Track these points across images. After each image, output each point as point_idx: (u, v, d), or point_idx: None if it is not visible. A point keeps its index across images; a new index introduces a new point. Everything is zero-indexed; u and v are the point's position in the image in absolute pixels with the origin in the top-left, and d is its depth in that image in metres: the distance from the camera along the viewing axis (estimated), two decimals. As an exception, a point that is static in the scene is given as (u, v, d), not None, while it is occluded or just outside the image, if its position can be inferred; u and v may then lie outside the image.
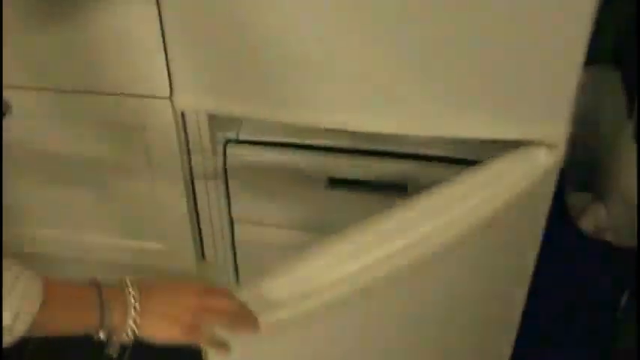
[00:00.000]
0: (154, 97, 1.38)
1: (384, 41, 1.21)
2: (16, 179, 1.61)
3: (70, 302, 0.91)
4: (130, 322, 0.92)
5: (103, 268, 1.86)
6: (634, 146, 1.57)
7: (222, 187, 1.57)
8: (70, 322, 0.92)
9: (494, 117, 1.28)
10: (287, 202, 1.42)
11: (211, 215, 1.64)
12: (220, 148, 1.52)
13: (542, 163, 1.28)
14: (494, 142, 1.42)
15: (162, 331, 0.96)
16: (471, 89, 1.25)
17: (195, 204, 1.62)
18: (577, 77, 1.21)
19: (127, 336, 0.92)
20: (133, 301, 0.93)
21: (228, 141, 1.54)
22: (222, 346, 1.01)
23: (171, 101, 1.37)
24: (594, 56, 1.23)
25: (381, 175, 1.52)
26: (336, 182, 1.53)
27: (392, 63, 1.24)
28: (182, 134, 1.46)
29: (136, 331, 0.93)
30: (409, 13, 1.16)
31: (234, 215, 1.63)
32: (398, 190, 1.53)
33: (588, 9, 1.11)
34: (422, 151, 1.51)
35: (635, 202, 1.56)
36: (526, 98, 1.26)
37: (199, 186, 1.57)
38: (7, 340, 0.83)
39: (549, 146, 1.29)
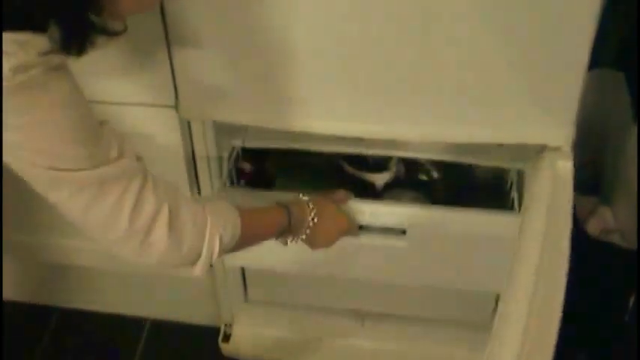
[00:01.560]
0: (160, 105, 1.38)
1: (391, 48, 1.21)
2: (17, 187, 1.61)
3: (265, 225, 1.25)
4: (303, 237, 1.31)
5: (116, 276, 1.87)
6: (640, 149, 1.57)
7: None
8: (264, 237, 1.25)
9: (500, 121, 1.29)
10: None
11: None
12: (226, 156, 1.52)
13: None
14: (500, 145, 1.43)
15: (318, 245, 1.36)
16: (475, 93, 1.26)
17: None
18: (581, 80, 1.22)
19: (295, 242, 1.31)
20: (310, 223, 1.30)
21: (233, 149, 1.54)
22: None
23: (177, 110, 1.37)
24: (599, 59, 1.23)
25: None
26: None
27: (398, 69, 1.24)
28: (188, 143, 1.46)
29: (304, 241, 1.32)
30: (415, 19, 1.17)
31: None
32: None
33: (592, 12, 1.12)
34: (420, 156, 1.52)
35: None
36: (531, 102, 1.26)
37: (206, 193, 1.57)
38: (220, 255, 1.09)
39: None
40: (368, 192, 1.59)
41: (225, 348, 1.81)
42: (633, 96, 1.63)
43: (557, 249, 1.14)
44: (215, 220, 1.08)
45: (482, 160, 1.49)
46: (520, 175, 1.52)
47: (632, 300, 1.62)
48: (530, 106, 1.27)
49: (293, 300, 1.82)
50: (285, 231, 1.28)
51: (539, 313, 1.06)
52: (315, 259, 1.49)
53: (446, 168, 1.63)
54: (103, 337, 1.97)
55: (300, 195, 1.33)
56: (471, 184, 1.66)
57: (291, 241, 1.31)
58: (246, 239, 1.16)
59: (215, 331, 1.83)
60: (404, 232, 1.49)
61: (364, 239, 1.51)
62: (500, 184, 1.62)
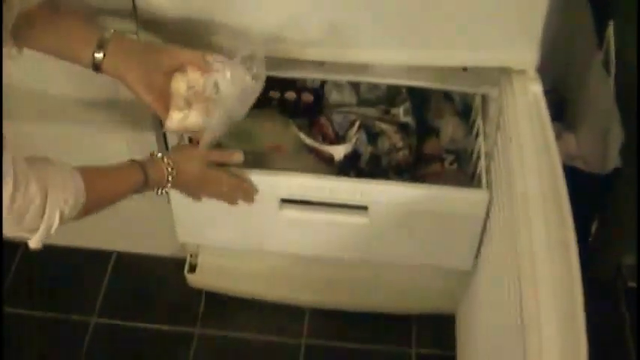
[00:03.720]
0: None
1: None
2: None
3: (116, 184, 1.23)
4: (168, 185, 1.29)
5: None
6: (604, 74, 1.58)
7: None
8: (119, 193, 1.24)
9: (465, 43, 1.29)
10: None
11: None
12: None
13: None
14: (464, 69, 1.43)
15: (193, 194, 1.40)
16: (440, 16, 1.26)
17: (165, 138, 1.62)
18: (546, 3, 1.22)
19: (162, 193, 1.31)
20: (169, 177, 1.28)
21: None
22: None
23: (137, 35, 1.35)
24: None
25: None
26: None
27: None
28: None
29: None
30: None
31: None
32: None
33: None
34: (383, 81, 1.52)
35: (604, 131, 1.57)
36: (497, 24, 1.26)
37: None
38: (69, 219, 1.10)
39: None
40: (328, 165, 1.55)
41: (191, 279, 1.81)
42: (598, 23, 1.63)
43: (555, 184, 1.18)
44: (56, 194, 1.05)
45: (447, 86, 1.48)
46: (484, 100, 1.51)
47: (594, 225, 1.64)
48: (495, 29, 1.27)
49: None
50: (144, 187, 1.26)
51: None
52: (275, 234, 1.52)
53: (410, 137, 1.61)
54: (68, 271, 1.96)
55: (155, 152, 1.31)
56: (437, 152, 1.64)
57: (160, 192, 1.31)
58: (94, 202, 1.15)
59: (181, 262, 1.83)
60: (366, 208, 1.46)
61: (325, 215, 1.48)
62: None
